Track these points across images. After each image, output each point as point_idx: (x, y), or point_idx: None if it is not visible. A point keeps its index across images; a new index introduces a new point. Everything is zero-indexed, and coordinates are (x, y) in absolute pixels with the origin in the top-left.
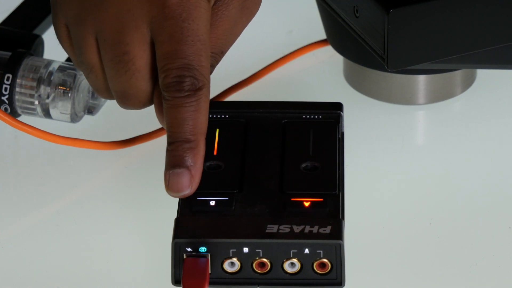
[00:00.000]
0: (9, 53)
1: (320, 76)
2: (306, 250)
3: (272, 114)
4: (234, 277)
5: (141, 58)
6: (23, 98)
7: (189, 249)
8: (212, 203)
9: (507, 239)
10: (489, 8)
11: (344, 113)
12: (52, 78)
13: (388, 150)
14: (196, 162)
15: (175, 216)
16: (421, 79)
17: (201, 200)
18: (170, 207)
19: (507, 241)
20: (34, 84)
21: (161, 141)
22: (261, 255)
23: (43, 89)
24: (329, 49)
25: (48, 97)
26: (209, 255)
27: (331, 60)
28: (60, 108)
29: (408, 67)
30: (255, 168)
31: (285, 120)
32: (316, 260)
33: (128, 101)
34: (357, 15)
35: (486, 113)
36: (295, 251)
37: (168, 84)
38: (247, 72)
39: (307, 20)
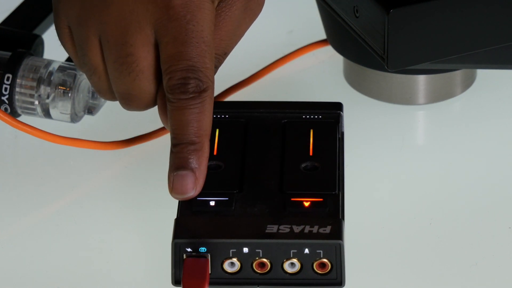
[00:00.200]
0: (9, 53)
1: (320, 76)
2: (306, 250)
3: (272, 114)
4: (234, 277)
5: (145, 59)
6: (23, 98)
7: (189, 249)
8: (212, 203)
9: (507, 239)
10: (489, 8)
11: (344, 113)
12: (52, 78)
13: (388, 150)
14: (200, 164)
15: (175, 216)
16: (421, 79)
17: (201, 200)
18: (170, 207)
19: (507, 241)
20: (34, 84)
21: (161, 141)
22: (261, 255)
23: (43, 89)
24: (329, 49)
25: (48, 97)
26: (209, 255)
27: (331, 60)
28: (60, 108)
29: (408, 67)
30: (255, 168)
31: (285, 120)
32: (316, 260)
33: (131, 102)
34: (357, 15)
35: (486, 113)
36: (295, 251)
37: (173, 86)
38: (247, 72)
39: (307, 20)
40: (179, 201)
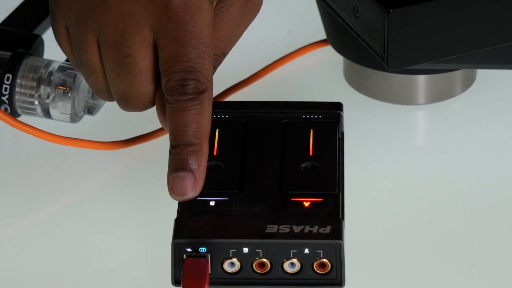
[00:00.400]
0: (9, 53)
1: (320, 76)
2: (306, 250)
3: (272, 114)
4: (234, 277)
5: (143, 60)
6: (23, 98)
7: (189, 250)
8: (212, 203)
9: (507, 239)
10: (489, 8)
11: (344, 113)
12: (52, 78)
13: (388, 150)
14: (199, 165)
15: (175, 216)
16: (421, 79)
17: (201, 200)
18: (170, 207)
19: (507, 241)
20: (34, 84)
21: (161, 141)
22: (261, 255)
23: (43, 89)
24: (329, 49)
25: (48, 97)
26: (209, 255)
27: (331, 60)
28: (60, 108)
29: (408, 67)
30: (255, 168)
31: (285, 120)
32: (316, 260)
33: (129, 103)
34: (357, 15)
35: (486, 113)
36: (295, 251)
37: (172, 87)
38: (247, 72)
39: (307, 20)
40: (179, 201)
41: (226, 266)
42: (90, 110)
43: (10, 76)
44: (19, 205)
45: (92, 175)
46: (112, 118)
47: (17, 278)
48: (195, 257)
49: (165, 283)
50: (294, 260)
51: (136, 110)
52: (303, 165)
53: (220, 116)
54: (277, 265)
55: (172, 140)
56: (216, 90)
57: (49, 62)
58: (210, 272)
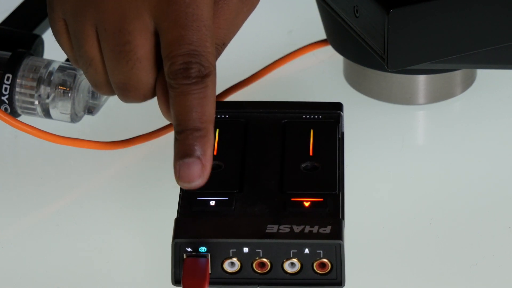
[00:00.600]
0: (9, 53)
1: (320, 76)
2: (306, 250)
3: (272, 114)
4: (234, 277)
5: (142, 47)
6: (23, 98)
7: (189, 249)
8: (212, 203)
9: (507, 239)
10: (489, 8)
11: (344, 113)
12: (52, 78)
13: (388, 150)
14: (206, 151)
15: (175, 216)
16: (421, 79)
17: (201, 200)
18: (170, 207)
19: (507, 241)
20: (34, 84)
21: (161, 141)
22: (261, 255)
23: (43, 89)
24: (329, 49)
25: (48, 97)
26: (209, 255)
27: (331, 60)
28: (60, 108)
29: (408, 67)
30: (255, 168)
31: (285, 120)
32: (316, 260)
33: (129, 93)
34: (357, 15)
35: (486, 113)
36: (295, 251)
37: (175, 71)
38: (247, 72)
39: (307, 20)
40: (179, 201)
41: (226, 266)
42: (90, 110)
43: (10, 76)
44: (19, 205)
45: (92, 175)
46: (112, 118)
47: (17, 278)
48: (195, 257)
49: (165, 283)
50: (294, 260)
51: (136, 100)
52: (303, 165)
53: (220, 116)
54: (277, 265)
55: (176, 125)
56: (216, 90)
57: (49, 62)
58: (210, 272)
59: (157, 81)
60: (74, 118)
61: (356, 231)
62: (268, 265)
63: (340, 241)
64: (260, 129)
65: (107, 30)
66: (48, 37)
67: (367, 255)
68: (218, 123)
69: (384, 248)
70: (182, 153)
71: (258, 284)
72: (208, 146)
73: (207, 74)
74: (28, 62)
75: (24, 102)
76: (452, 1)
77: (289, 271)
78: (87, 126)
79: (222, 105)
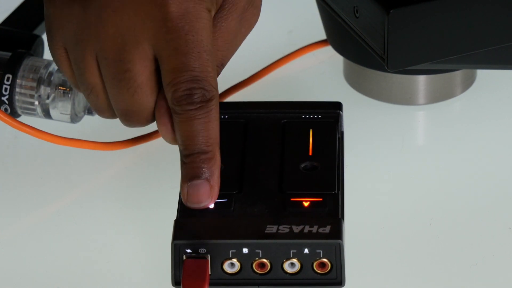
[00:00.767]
0: (9, 53)
1: (320, 76)
2: (306, 250)
3: (272, 114)
4: (234, 278)
5: (142, 74)
6: (23, 98)
7: (188, 250)
8: (212, 204)
9: (507, 239)
10: (489, 8)
11: (344, 113)
12: (52, 79)
13: (388, 150)
14: (213, 172)
15: (175, 217)
16: (421, 79)
17: None
18: (170, 207)
19: (507, 241)
20: (34, 84)
21: (161, 141)
22: (260, 256)
23: (43, 90)
24: (329, 49)
25: (48, 98)
26: (209, 256)
27: (331, 60)
28: (60, 109)
29: (408, 67)
30: (255, 169)
31: (285, 120)
32: (316, 260)
33: (131, 118)
34: (357, 15)
35: (486, 113)
36: (295, 251)
37: (179, 97)
38: (247, 72)
39: (307, 20)
40: (178, 202)
41: (226, 266)
42: (90, 110)
43: (10, 76)
44: (19, 205)
45: (92, 175)
46: None
47: (17, 278)
48: (195, 258)
49: (165, 284)
50: (294, 260)
51: (139, 125)
52: (302, 165)
53: (220, 116)
54: (277, 265)
55: (183, 149)
56: None
57: (49, 63)
58: (210, 273)
59: (156, 105)
60: (74, 118)
61: (356, 231)
62: (268, 265)
63: (340, 241)
64: (259, 129)
65: (108, 58)
66: None
67: (367, 255)
68: None
69: (384, 248)
70: (191, 175)
71: (258, 285)
72: (215, 168)
73: (211, 98)
74: (28, 62)
75: (24, 102)
76: (452, 1)
77: (289, 271)
78: (87, 127)
79: (221, 106)
